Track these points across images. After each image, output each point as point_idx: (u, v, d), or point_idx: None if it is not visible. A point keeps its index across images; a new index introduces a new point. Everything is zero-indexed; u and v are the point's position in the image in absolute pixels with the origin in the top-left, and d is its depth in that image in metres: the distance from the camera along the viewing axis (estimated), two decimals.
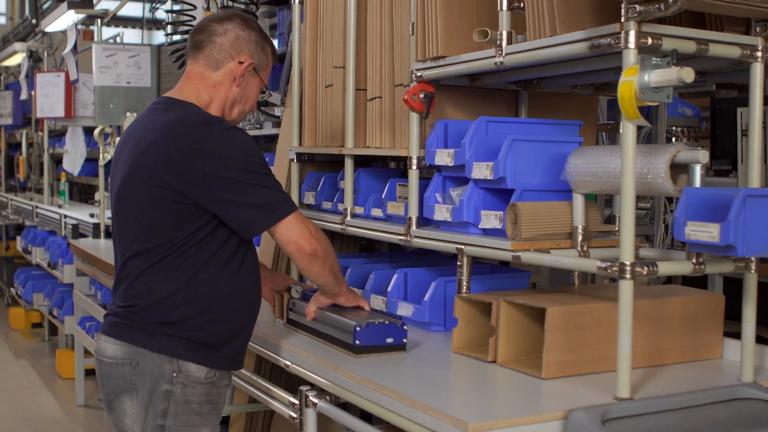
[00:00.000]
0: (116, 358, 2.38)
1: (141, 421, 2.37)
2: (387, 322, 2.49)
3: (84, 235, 6.38)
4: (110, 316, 2.44)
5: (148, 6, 6.96)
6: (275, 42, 4.77)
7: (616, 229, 2.87)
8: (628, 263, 2.00)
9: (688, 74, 1.90)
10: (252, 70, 2.50)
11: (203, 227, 2.33)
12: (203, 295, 2.36)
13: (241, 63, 2.47)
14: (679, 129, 5.32)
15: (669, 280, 3.81)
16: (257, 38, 2.51)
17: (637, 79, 1.94)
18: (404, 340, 2.50)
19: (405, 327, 2.51)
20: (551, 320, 2.19)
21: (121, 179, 2.40)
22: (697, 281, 3.20)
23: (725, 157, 4.91)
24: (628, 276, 2.00)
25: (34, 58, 8.90)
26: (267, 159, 4.17)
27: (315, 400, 2.48)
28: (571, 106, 3.12)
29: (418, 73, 2.72)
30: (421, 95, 2.69)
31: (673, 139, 5.14)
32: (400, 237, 2.83)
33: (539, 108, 3.06)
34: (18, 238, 8.68)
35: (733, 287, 3.33)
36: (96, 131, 6.28)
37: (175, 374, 2.35)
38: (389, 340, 2.48)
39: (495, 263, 3.15)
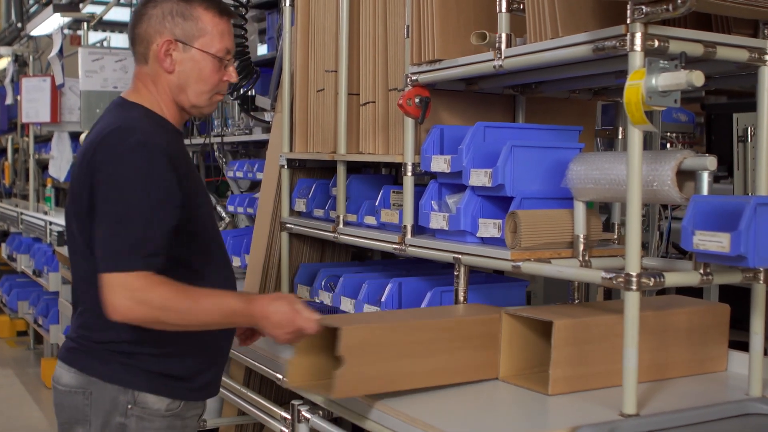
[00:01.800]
0: (70, 386, 2.13)
1: None
2: None
3: None
4: (68, 340, 2.20)
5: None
6: (264, 47, 4.71)
7: (615, 237, 2.82)
8: (634, 274, 1.93)
9: (698, 78, 1.83)
10: (178, 45, 2.16)
11: None
12: (159, 331, 2.05)
13: (157, 45, 2.16)
14: (674, 135, 5.27)
15: (663, 289, 3.74)
16: (174, 8, 2.16)
17: (644, 83, 1.87)
18: None
19: None
20: (558, 334, 2.11)
21: (68, 195, 2.17)
22: (692, 289, 3.13)
23: (721, 164, 4.85)
24: (634, 287, 1.93)
25: (20, 62, 8.80)
26: (256, 165, 4.15)
27: (307, 415, 2.41)
28: (569, 112, 3.05)
29: (413, 77, 2.64)
30: (417, 100, 2.61)
31: (668, 145, 5.09)
32: (394, 246, 2.75)
33: (536, 113, 2.98)
34: (3, 245, 8.57)
35: (728, 294, 3.26)
36: (82, 136, 6.16)
37: (130, 406, 2.09)
38: None
39: (490, 272, 3.07)
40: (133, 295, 1.94)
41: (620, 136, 3.05)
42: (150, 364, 2.11)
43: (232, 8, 4.00)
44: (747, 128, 4.08)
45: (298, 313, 2.08)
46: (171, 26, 2.15)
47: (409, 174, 2.68)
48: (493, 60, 2.34)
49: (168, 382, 2.12)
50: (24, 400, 6.26)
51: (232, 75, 2.23)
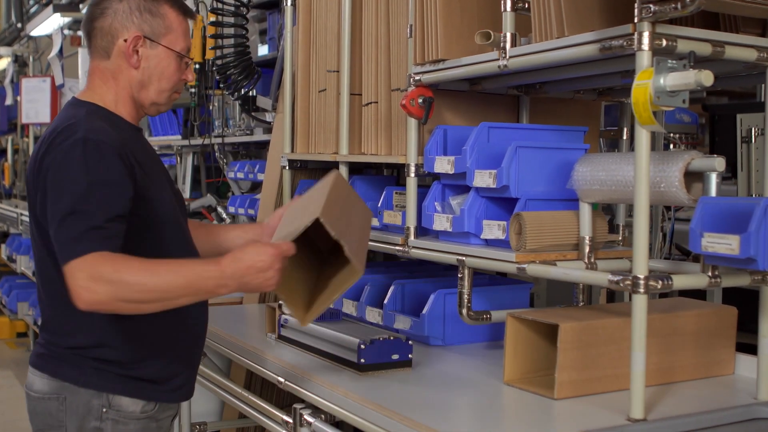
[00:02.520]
0: (43, 392, 2.11)
1: None
2: (391, 338, 2.38)
3: None
4: (37, 345, 2.18)
5: None
6: (265, 47, 4.68)
7: (620, 238, 2.79)
8: (642, 277, 1.90)
9: (707, 77, 1.80)
10: (146, 42, 2.14)
11: None
12: (132, 330, 2.07)
13: (125, 41, 2.13)
14: (677, 136, 5.24)
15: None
16: (141, 3, 2.14)
17: (652, 83, 1.84)
18: (410, 356, 2.40)
19: (410, 342, 2.40)
20: (564, 337, 2.08)
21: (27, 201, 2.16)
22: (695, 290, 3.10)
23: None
24: (641, 290, 1.90)
25: (20, 62, 8.77)
26: (257, 166, 4.12)
27: (310, 419, 2.37)
28: (573, 112, 3.02)
29: (417, 77, 2.61)
30: (420, 100, 2.58)
31: (671, 146, 5.06)
32: (397, 248, 2.72)
33: (540, 114, 2.95)
34: (2, 246, 8.54)
35: (733, 296, 3.23)
36: None
37: (104, 409, 2.08)
38: (394, 357, 2.38)
39: (493, 274, 3.05)
40: (88, 274, 1.85)
41: (625, 137, 3.02)
42: (122, 369, 2.08)
43: (234, 8, 4.00)
44: (751, 129, 4.06)
45: (269, 245, 1.96)
46: (139, 22, 2.14)
47: (412, 175, 2.65)
48: (498, 60, 2.31)
49: (142, 385, 2.11)
50: (23, 403, 6.21)
51: (189, 75, 2.24)
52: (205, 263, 1.95)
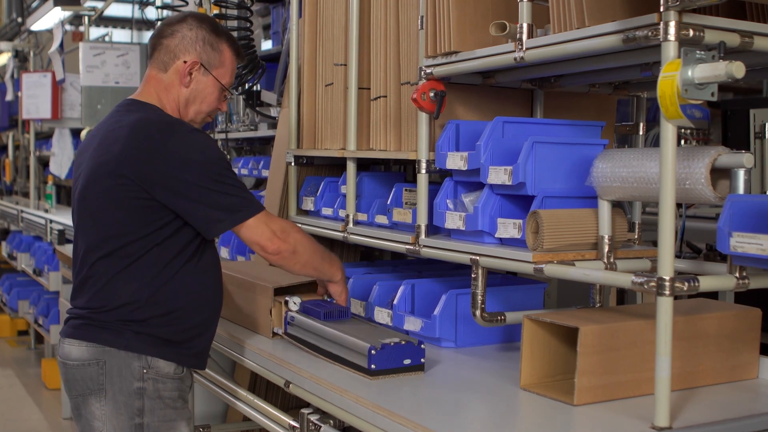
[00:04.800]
0: (82, 359, 2.35)
1: (113, 422, 2.33)
2: (403, 343, 2.29)
3: (70, 241, 6.15)
4: (73, 319, 2.41)
5: (137, 6, 6.77)
6: (269, 42, 4.60)
7: (636, 237, 2.70)
8: (667, 278, 1.81)
9: (738, 69, 1.71)
10: (201, 68, 2.49)
11: (167, 225, 2.32)
12: (168, 292, 2.35)
13: (185, 62, 2.47)
14: (688, 131, 5.16)
15: None
16: (207, 36, 2.49)
17: (679, 75, 1.75)
18: (422, 360, 2.31)
19: (423, 346, 2.32)
20: (584, 341, 1.99)
21: (84, 180, 2.39)
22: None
23: None
24: (667, 292, 1.81)
25: (20, 57, 8.69)
26: (262, 162, 4.04)
27: (319, 424, 2.29)
28: (588, 107, 2.93)
29: (428, 70, 2.52)
30: (431, 94, 2.49)
31: (683, 142, 4.98)
32: (407, 246, 2.64)
33: (554, 108, 2.86)
34: (3, 244, 8.46)
35: (741, 295, 3.14)
36: (83, 133, 6.08)
37: (145, 370, 2.34)
38: (406, 362, 2.29)
39: (504, 273, 2.96)
40: (281, 227, 2.41)
41: (641, 132, 2.93)
42: (157, 330, 2.34)
43: (238, 0, 3.92)
44: (764, 124, 3.99)
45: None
46: (200, 50, 2.48)
47: (423, 171, 2.57)
48: (514, 52, 2.22)
49: (172, 348, 2.37)
50: (24, 402, 6.15)
51: (223, 106, 2.60)
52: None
